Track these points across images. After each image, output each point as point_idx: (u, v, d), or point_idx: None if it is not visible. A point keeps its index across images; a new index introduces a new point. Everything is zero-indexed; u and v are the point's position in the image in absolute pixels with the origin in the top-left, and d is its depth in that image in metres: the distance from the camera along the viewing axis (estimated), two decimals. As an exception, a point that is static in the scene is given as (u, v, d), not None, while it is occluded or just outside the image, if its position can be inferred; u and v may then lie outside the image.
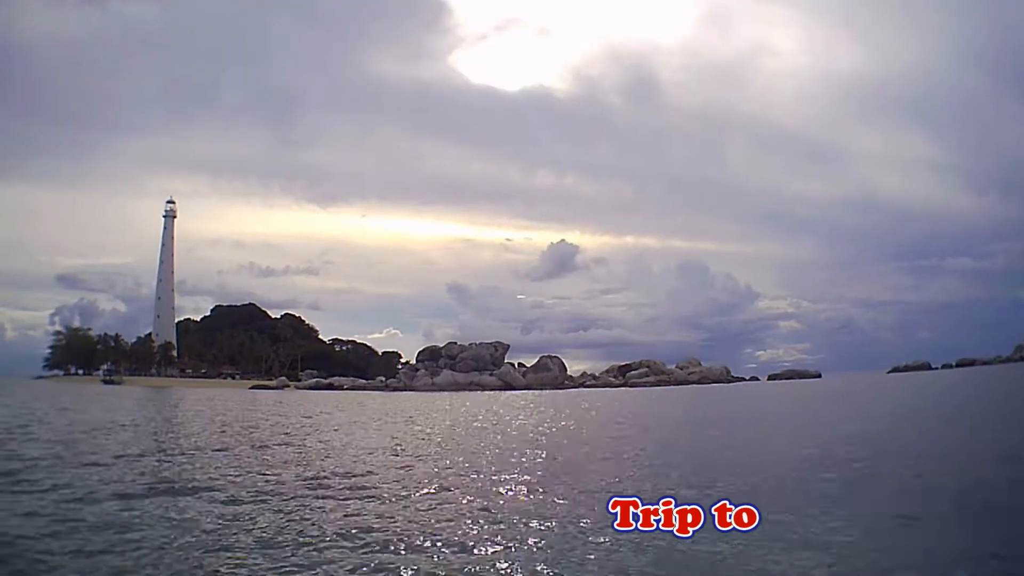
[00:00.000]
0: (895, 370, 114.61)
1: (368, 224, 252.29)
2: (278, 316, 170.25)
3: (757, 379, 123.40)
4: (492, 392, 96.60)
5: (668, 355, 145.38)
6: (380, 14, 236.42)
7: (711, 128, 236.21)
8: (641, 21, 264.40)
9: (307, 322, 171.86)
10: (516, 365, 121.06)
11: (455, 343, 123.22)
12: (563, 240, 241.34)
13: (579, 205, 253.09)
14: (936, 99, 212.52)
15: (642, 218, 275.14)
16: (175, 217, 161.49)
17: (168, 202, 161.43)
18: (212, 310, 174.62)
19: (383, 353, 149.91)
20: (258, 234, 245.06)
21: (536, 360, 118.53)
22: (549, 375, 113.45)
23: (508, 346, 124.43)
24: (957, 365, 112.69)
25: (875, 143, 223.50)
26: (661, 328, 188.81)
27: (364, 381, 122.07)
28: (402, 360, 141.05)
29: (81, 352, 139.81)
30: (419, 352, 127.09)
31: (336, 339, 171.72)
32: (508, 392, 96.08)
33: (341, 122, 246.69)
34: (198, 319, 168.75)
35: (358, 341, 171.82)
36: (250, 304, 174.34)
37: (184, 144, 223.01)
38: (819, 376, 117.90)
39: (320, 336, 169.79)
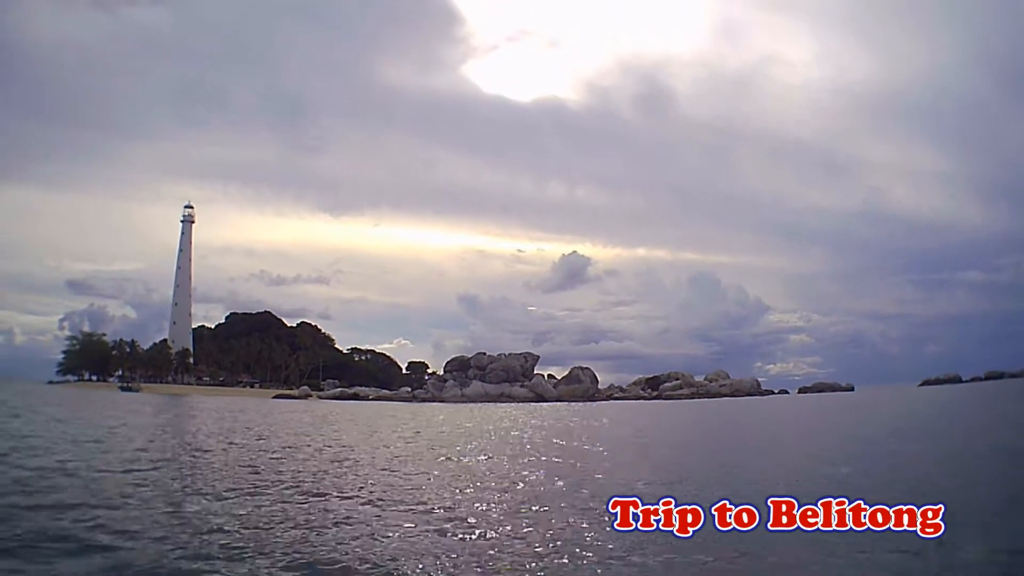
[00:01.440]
0: (926, 383, 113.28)
1: (379, 233, 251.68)
2: (293, 324, 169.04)
3: (787, 392, 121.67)
4: (524, 404, 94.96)
5: (680, 368, 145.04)
6: (392, 23, 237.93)
7: (722, 139, 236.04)
8: (653, 32, 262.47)
9: (324, 331, 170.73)
10: (546, 376, 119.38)
11: (484, 353, 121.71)
12: (575, 252, 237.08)
13: (591, 216, 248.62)
14: (947, 110, 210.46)
15: (654, 230, 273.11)
16: (193, 222, 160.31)
17: (186, 207, 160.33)
18: (227, 317, 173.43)
19: (409, 363, 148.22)
20: (269, 242, 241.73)
21: (567, 371, 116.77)
22: (580, 387, 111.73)
23: (538, 357, 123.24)
24: (986, 378, 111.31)
25: (886, 154, 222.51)
26: (672, 341, 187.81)
27: (389, 392, 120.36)
28: (428, 371, 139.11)
29: (95, 358, 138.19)
30: (447, 362, 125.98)
31: (355, 348, 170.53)
32: (540, 404, 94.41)
33: (353, 130, 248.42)
34: (212, 326, 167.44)
35: (377, 351, 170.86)
36: (266, 312, 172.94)
37: (196, 150, 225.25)
38: (852, 389, 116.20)
39: (336, 345, 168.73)
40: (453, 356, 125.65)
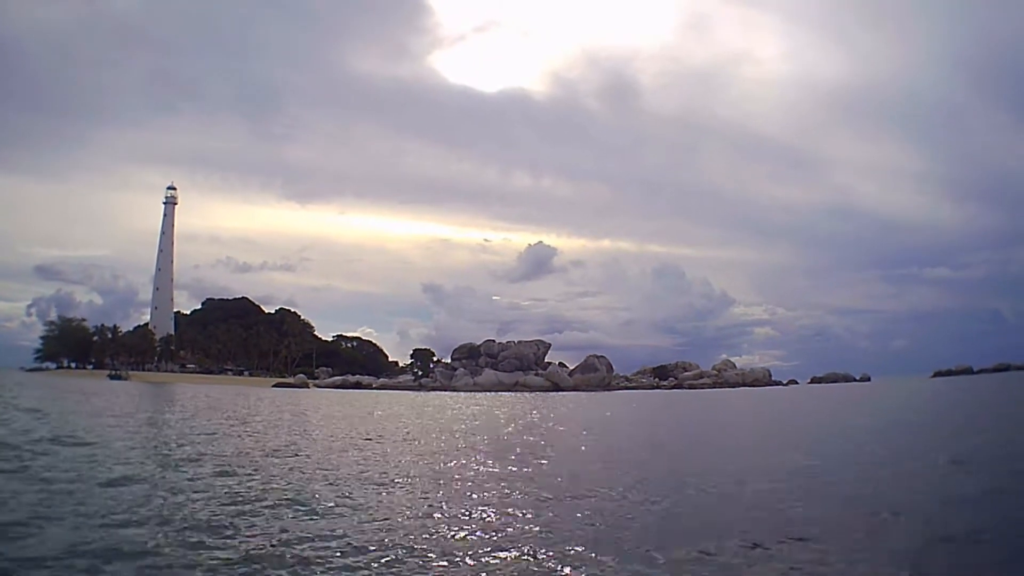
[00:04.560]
0: (938, 374, 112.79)
1: (346, 222, 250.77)
2: (271, 311, 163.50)
3: (796, 382, 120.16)
4: (542, 393, 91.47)
5: (644, 359, 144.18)
6: (361, 12, 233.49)
7: (690, 133, 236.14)
8: (621, 25, 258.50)
9: (303, 317, 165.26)
10: (558, 364, 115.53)
11: (493, 341, 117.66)
12: (540, 242, 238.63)
13: (557, 207, 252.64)
14: (917, 108, 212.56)
15: (619, 222, 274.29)
16: (176, 204, 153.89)
17: (169, 188, 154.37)
18: (203, 303, 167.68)
19: (415, 351, 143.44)
20: (235, 229, 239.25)
21: (583, 360, 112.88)
22: (596, 376, 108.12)
23: (550, 345, 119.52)
24: (995, 370, 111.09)
25: (855, 151, 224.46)
26: (636, 332, 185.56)
27: (392, 380, 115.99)
28: (434, 358, 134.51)
29: (75, 344, 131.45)
30: (454, 350, 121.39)
31: (340, 335, 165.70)
32: (558, 393, 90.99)
33: (321, 119, 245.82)
34: (187, 312, 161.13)
35: (363, 338, 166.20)
36: (243, 298, 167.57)
37: (165, 138, 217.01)
38: (868, 380, 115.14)
39: (315, 333, 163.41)
40: (461, 344, 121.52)
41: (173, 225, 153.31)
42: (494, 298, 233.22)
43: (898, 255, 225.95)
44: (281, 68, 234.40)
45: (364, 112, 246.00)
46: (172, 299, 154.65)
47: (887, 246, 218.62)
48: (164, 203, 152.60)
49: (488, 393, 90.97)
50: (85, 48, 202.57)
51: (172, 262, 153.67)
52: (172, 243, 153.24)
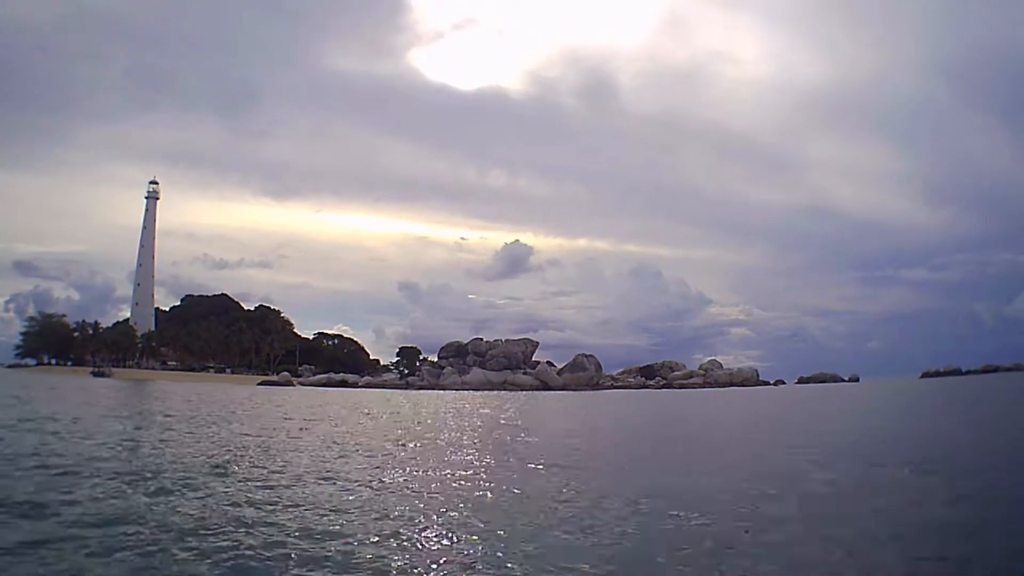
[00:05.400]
0: (926, 375, 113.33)
1: (322, 219, 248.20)
2: (251, 308, 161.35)
3: (783, 382, 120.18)
4: (533, 392, 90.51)
5: (620, 358, 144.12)
6: (341, 9, 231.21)
7: (668, 133, 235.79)
8: (600, 25, 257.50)
9: (283, 315, 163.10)
10: (546, 363, 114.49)
11: (480, 339, 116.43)
12: (517, 241, 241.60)
13: (534, 206, 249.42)
14: (895, 111, 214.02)
15: (596, 221, 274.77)
16: (158, 199, 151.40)
17: (151, 183, 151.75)
18: (183, 300, 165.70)
19: (401, 348, 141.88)
20: (213, 226, 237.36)
21: (571, 359, 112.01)
22: (586, 375, 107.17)
23: (537, 343, 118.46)
24: (983, 371, 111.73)
25: (832, 153, 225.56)
26: (612, 332, 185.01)
27: (376, 378, 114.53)
28: (420, 356, 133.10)
29: (56, 340, 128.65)
30: (441, 348, 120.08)
31: (322, 333, 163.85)
32: (548, 392, 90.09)
33: (298, 116, 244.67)
34: (166, 309, 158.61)
35: (344, 335, 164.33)
36: (222, 294, 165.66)
37: (143, 133, 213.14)
38: (857, 380, 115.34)
39: (295, 330, 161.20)
40: (448, 342, 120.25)
41: (155, 220, 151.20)
42: (470, 296, 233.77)
43: (875, 257, 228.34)
44: (260, 64, 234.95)
45: (342, 109, 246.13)
46: (153, 295, 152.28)
47: (864, 247, 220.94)
48: (146, 198, 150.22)
49: (477, 392, 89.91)
50: (64, 42, 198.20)
51: (154, 258, 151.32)
52: (154, 238, 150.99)
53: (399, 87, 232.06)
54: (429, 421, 29.89)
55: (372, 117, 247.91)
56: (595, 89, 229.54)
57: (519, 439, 21.18)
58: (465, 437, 21.93)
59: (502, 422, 29.68)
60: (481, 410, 40.87)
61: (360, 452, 16.44)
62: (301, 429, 23.34)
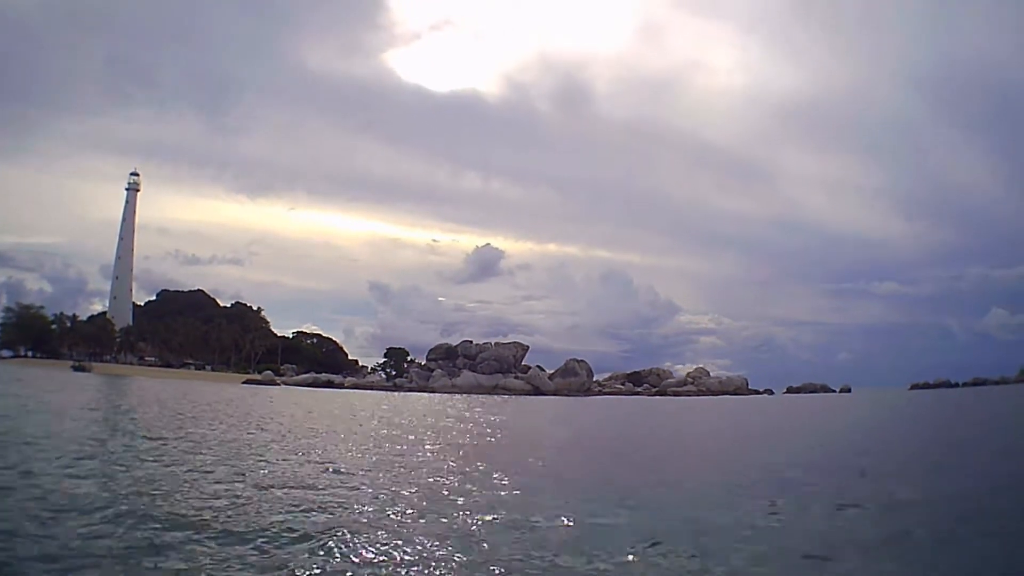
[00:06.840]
0: (916, 387, 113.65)
1: (295, 217, 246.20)
2: (227, 305, 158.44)
3: (771, 392, 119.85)
4: (524, 397, 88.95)
5: (594, 365, 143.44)
6: (318, 7, 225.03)
7: (641, 141, 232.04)
8: (575, 31, 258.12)
9: (262, 312, 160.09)
10: (537, 367, 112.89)
11: (470, 341, 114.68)
12: (488, 244, 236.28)
13: (506, 210, 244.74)
14: (869, 123, 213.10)
15: (567, 226, 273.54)
16: (138, 191, 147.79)
17: (132, 174, 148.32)
18: (158, 295, 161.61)
19: (388, 349, 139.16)
20: (185, 221, 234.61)
21: (564, 364, 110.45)
22: (577, 380, 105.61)
23: (528, 347, 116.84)
24: (973, 383, 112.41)
25: (805, 164, 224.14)
26: (581, 337, 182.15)
27: (362, 379, 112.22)
28: (408, 358, 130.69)
29: (33, 332, 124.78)
30: (429, 351, 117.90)
31: (300, 331, 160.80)
32: (540, 397, 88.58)
33: (274, 113, 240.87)
34: (141, 303, 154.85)
35: (323, 335, 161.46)
36: (198, 290, 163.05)
37: (119, 126, 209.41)
38: (849, 391, 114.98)
39: (271, 328, 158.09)
40: (438, 344, 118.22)
41: (135, 213, 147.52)
42: (439, 299, 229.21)
43: (846, 269, 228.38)
44: (237, 60, 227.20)
45: (317, 108, 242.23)
46: (131, 289, 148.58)
47: (835, 259, 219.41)
48: (127, 189, 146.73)
49: (470, 395, 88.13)
50: (41, 31, 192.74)
51: (132, 251, 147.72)
52: (133, 231, 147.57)
53: (375, 87, 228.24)
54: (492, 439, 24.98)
55: (347, 116, 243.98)
56: (570, 95, 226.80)
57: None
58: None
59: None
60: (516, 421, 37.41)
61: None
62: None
